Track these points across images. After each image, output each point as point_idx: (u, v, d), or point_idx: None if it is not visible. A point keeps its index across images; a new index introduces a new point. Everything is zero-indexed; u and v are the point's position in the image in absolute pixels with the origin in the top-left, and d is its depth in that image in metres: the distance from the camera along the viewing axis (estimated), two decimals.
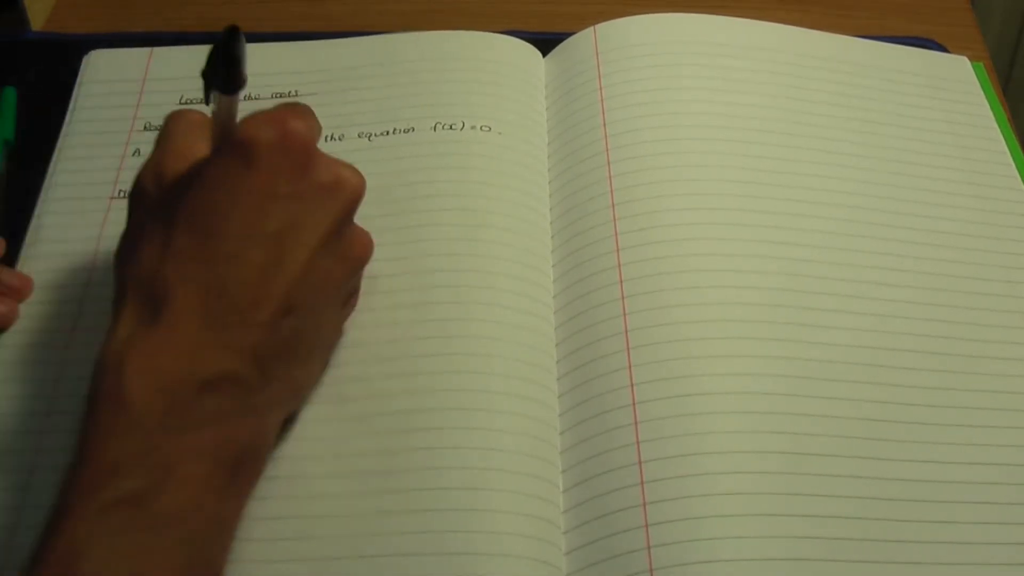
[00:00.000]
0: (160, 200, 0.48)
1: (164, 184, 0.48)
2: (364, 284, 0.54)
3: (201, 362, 0.44)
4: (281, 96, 0.64)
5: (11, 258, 0.57)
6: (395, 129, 0.61)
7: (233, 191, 0.46)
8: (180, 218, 0.46)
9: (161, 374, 0.43)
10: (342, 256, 0.49)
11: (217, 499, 0.43)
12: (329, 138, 0.61)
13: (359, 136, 0.61)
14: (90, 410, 0.43)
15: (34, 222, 0.59)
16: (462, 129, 0.61)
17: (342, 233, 0.49)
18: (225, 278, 0.45)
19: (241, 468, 0.45)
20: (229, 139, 0.47)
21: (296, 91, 0.64)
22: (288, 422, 0.50)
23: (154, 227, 0.47)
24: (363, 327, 0.54)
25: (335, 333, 0.52)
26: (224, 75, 0.45)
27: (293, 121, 0.47)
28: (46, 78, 0.66)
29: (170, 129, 0.51)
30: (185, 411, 0.43)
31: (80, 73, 0.65)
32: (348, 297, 0.52)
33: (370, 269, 0.54)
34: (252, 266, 0.45)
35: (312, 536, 0.48)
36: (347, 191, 0.48)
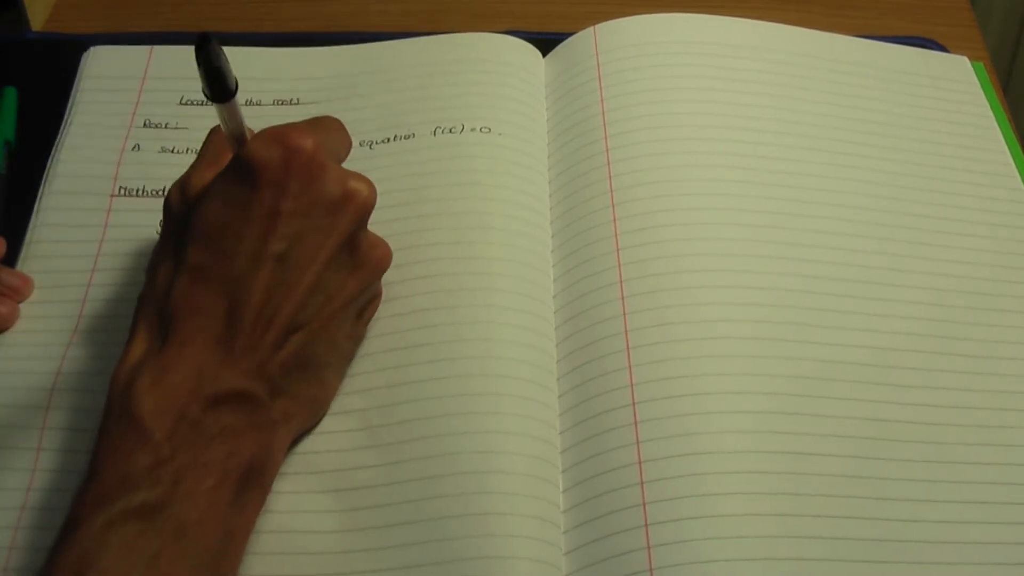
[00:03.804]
0: (182, 214, 0.49)
1: (187, 198, 0.49)
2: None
3: (208, 380, 0.44)
4: (283, 103, 0.64)
5: (11, 258, 0.57)
6: (396, 136, 0.61)
7: (240, 211, 0.46)
8: (193, 235, 0.47)
9: (169, 392, 0.44)
10: (355, 268, 0.49)
11: (225, 512, 0.44)
12: None
13: (360, 144, 0.61)
14: (103, 424, 0.44)
15: (33, 221, 0.59)
16: (462, 132, 0.61)
17: (354, 245, 0.49)
18: (232, 299, 0.46)
19: (249, 482, 0.45)
20: (235, 156, 0.47)
21: (298, 98, 0.64)
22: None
23: (172, 242, 0.48)
24: (366, 336, 0.54)
25: (352, 343, 0.52)
26: (208, 85, 0.45)
27: (298, 138, 0.47)
28: (46, 78, 0.66)
29: (205, 143, 0.52)
30: (193, 427, 0.44)
31: (80, 69, 0.65)
32: (366, 306, 0.52)
33: None
34: (259, 287, 0.46)
35: (311, 551, 0.48)
36: (355, 203, 0.48)
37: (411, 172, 0.59)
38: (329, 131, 0.51)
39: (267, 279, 0.46)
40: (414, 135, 0.61)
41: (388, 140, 0.61)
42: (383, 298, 0.54)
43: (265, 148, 0.46)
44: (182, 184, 0.49)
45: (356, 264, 0.49)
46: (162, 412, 0.43)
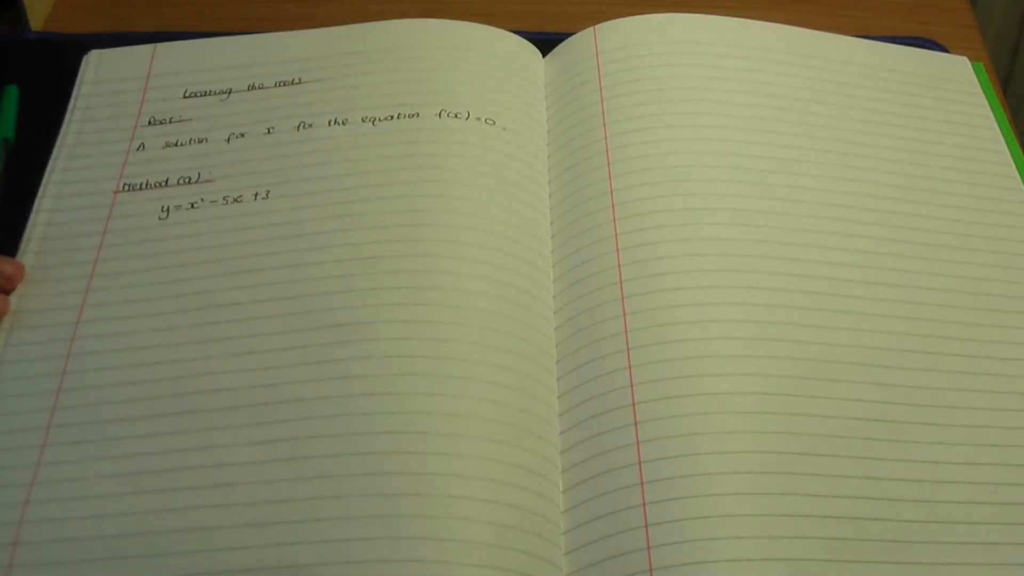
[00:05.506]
0: None
1: None
2: (361, 267, 0.54)
3: None
4: (284, 84, 0.64)
5: (10, 256, 0.57)
6: (400, 114, 0.61)
7: None
8: None
9: None
10: None
11: None
12: (333, 122, 0.61)
13: (363, 120, 0.61)
14: None
15: (33, 218, 0.59)
16: (467, 119, 0.61)
17: None
18: None
19: None
20: None
21: (300, 78, 0.64)
22: (289, 401, 0.51)
23: None
24: (364, 306, 0.54)
25: None
26: None
27: None
28: (46, 78, 0.66)
29: None
30: None
31: (80, 74, 0.65)
32: None
33: (370, 250, 0.54)
34: None
35: (324, 517, 0.48)
36: None
37: (414, 152, 0.60)
38: None
39: None
40: (418, 115, 0.61)
41: (392, 118, 0.61)
42: (379, 273, 0.54)
43: None
44: None
45: None
46: None
